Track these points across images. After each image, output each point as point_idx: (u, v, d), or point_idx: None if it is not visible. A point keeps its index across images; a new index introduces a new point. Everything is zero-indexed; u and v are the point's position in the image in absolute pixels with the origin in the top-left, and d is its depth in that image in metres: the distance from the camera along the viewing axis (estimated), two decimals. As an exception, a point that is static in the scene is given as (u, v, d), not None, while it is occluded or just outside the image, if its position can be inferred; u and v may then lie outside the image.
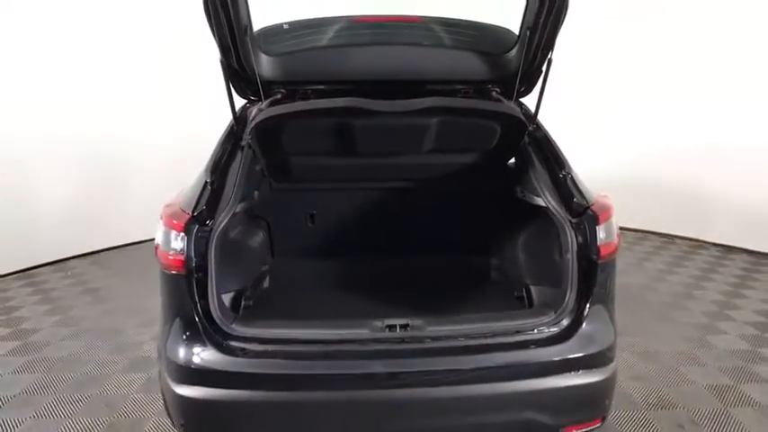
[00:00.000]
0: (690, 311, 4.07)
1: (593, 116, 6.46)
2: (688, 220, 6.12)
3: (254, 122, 2.31)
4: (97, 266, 5.38)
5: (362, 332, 1.94)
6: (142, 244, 5.85)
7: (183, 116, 5.92)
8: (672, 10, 5.83)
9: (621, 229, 2.21)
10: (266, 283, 2.82)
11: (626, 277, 4.82)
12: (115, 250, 5.92)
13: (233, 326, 1.93)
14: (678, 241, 6.11)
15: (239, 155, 2.35)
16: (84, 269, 5.28)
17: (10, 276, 5.02)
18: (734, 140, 5.60)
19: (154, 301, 2.16)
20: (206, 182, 2.11)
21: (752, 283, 4.73)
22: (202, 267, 1.94)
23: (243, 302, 2.37)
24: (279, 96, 2.54)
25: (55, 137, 5.23)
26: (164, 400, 2.07)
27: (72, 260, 5.52)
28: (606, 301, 2.07)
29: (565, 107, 5.40)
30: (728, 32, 5.47)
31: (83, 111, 5.38)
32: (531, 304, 2.41)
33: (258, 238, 2.92)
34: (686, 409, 2.74)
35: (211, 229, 1.99)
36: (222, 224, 2.03)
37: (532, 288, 2.45)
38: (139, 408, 2.81)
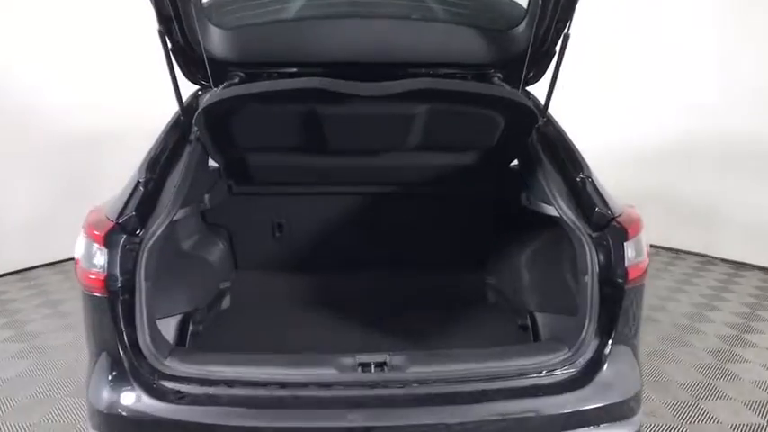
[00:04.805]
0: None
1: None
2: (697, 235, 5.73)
3: (200, 108, 1.90)
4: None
5: (328, 372, 1.55)
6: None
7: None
8: None
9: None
10: (226, 303, 2.45)
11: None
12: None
13: (166, 361, 1.54)
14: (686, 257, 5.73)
15: (185, 150, 1.96)
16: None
17: None
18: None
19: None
20: (138, 181, 1.71)
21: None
22: (129, 288, 1.56)
23: (191, 327, 1.98)
24: (236, 80, 2.13)
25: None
26: None
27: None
28: (632, 337, 1.67)
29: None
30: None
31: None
32: (536, 336, 2.01)
33: (217, 250, 2.53)
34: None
35: (141, 240, 1.60)
36: (157, 234, 1.64)
37: (538, 315, 2.05)
38: None
